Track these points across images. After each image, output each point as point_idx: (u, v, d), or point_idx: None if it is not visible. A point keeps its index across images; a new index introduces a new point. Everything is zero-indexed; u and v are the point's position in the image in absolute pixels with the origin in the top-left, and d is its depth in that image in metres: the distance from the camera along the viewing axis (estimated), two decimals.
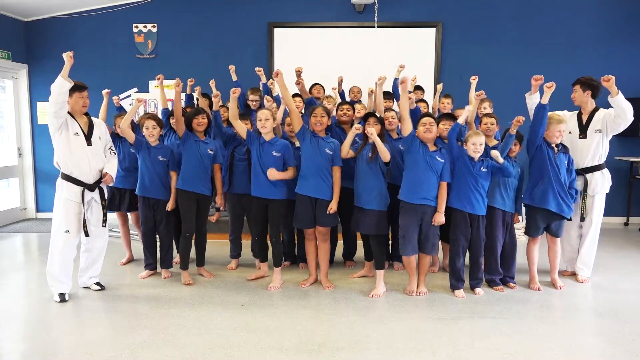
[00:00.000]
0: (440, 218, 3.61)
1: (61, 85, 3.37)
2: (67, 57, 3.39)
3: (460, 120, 3.69)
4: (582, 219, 4.06)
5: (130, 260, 4.68)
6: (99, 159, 3.72)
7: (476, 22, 6.41)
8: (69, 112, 3.59)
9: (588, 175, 4.01)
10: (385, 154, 3.58)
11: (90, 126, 3.70)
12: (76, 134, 3.59)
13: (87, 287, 3.90)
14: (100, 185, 3.74)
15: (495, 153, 3.62)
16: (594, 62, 6.21)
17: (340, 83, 5.46)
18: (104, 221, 3.79)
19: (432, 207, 3.59)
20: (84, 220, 3.66)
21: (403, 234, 3.64)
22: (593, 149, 4.01)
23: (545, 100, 3.72)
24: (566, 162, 3.84)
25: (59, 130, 3.54)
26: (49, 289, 3.69)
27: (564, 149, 3.88)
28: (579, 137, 4.03)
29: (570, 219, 3.91)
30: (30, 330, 3.20)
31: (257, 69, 4.82)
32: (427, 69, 6.40)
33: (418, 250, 3.67)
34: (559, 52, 6.36)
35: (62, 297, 3.62)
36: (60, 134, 3.56)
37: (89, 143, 3.64)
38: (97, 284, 3.91)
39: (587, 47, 6.35)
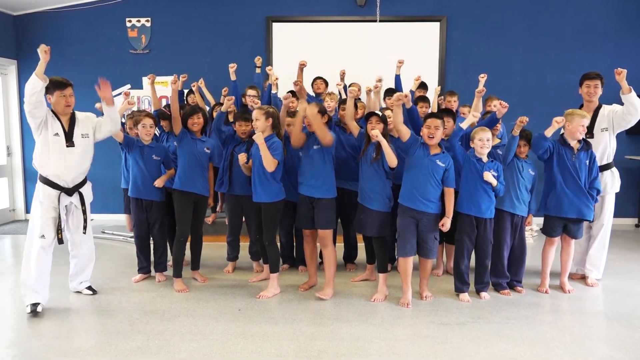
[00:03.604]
0: (447, 223, 3.61)
1: (35, 84, 3.21)
2: (42, 52, 3.20)
3: (463, 125, 3.70)
4: (592, 219, 4.06)
5: None
6: (82, 161, 3.57)
7: (482, 16, 6.42)
8: (53, 111, 3.47)
9: None
10: (392, 159, 3.55)
11: (72, 125, 3.53)
12: (56, 134, 3.44)
13: (78, 292, 3.89)
14: (80, 190, 3.62)
15: (487, 176, 3.59)
16: (604, 56, 6.21)
17: (342, 77, 5.45)
18: (85, 227, 3.69)
19: (428, 213, 3.57)
20: (59, 225, 3.51)
21: (399, 234, 3.67)
22: (601, 148, 4.01)
23: (550, 133, 3.71)
24: (587, 160, 3.80)
25: (38, 130, 3.41)
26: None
27: (585, 145, 3.84)
28: (586, 137, 4.03)
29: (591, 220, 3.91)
30: (21, 335, 3.20)
31: (267, 68, 4.87)
32: (431, 65, 6.41)
33: (416, 253, 3.67)
34: (567, 46, 6.38)
35: (34, 308, 3.43)
36: (39, 134, 3.43)
37: (70, 144, 3.49)
38: (89, 288, 3.89)
39: (596, 41, 6.36)
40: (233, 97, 4.26)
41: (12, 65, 6.63)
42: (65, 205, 3.57)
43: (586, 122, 3.75)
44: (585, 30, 6.37)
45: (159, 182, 4.02)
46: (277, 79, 4.54)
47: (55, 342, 3.08)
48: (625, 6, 6.36)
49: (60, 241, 3.55)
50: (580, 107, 4.12)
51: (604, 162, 4.04)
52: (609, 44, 6.35)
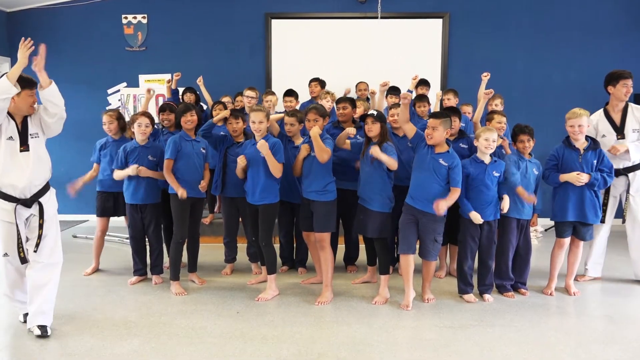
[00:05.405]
0: (442, 205, 3.46)
1: (7, 89, 2.86)
2: (25, 51, 2.87)
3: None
4: (623, 220, 4.04)
5: (96, 270, 4.51)
6: (36, 166, 3.11)
7: (485, 12, 6.41)
8: (8, 112, 3.04)
9: (630, 175, 4.01)
10: (391, 165, 3.58)
11: (25, 125, 3.11)
12: (10, 138, 3.03)
13: (29, 329, 3.23)
14: (40, 200, 3.15)
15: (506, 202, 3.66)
16: (608, 54, 6.20)
17: (347, 93, 5.49)
18: (37, 245, 3.11)
19: (429, 213, 3.56)
20: (19, 242, 3.08)
21: (399, 231, 3.71)
22: (634, 147, 3.99)
23: (563, 179, 3.77)
24: (595, 160, 3.76)
25: None
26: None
27: (593, 145, 3.81)
28: (617, 138, 4.01)
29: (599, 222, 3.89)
30: (14, 339, 3.20)
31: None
32: (434, 63, 6.40)
33: (415, 252, 3.69)
34: (572, 44, 6.36)
35: (27, 318, 3.29)
36: None
37: (24, 148, 3.07)
38: (41, 327, 3.16)
39: (601, 38, 6.34)
40: (228, 111, 4.24)
41: (5, 63, 6.62)
42: (27, 219, 3.14)
43: (579, 122, 3.70)
44: (590, 28, 6.35)
45: (144, 171, 3.96)
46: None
47: (50, 345, 3.08)
48: (631, 2, 6.34)
49: (23, 260, 3.11)
50: (606, 104, 4.11)
51: (638, 161, 4.01)
52: (614, 41, 6.33)
